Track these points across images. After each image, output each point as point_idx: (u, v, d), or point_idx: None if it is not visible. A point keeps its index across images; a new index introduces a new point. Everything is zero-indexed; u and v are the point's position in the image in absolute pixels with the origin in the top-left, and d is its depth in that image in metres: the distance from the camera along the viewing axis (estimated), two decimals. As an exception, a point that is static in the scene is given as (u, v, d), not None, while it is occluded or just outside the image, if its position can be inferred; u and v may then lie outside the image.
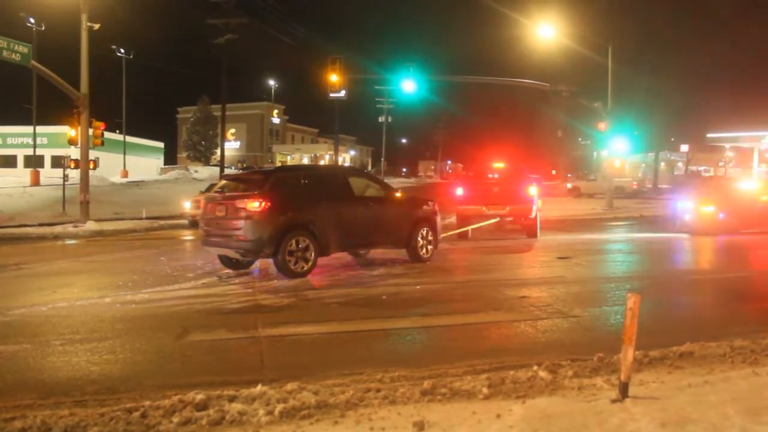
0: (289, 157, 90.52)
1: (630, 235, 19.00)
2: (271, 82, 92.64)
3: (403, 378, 4.76)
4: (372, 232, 11.38)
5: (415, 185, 60.88)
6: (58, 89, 22.19)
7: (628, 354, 3.80)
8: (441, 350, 5.96)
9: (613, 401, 3.79)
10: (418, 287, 9.33)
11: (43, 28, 42.72)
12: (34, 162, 48.83)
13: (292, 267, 10.02)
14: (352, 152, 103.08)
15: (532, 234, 16.59)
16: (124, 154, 59.28)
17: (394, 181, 53.79)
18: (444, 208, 14.49)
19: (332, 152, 69.27)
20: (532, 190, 16.36)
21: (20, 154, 59.49)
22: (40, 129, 49.91)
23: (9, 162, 59.90)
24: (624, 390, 3.84)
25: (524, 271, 11.29)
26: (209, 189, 20.74)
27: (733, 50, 58.14)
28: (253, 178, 11.10)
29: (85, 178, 23.34)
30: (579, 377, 4.53)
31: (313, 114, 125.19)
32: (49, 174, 45.82)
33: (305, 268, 10.15)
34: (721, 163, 72.66)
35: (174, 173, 55.42)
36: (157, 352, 5.91)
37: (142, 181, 46.76)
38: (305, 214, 10.36)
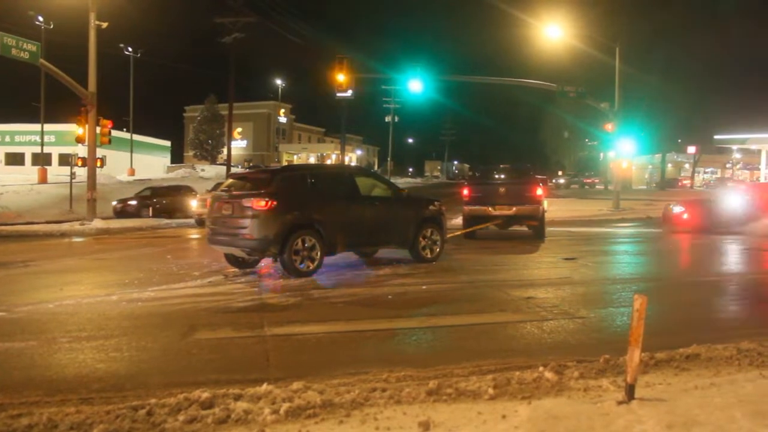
0: (295, 157, 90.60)
1: (634, 234, 19.00)
2: (278, 81, 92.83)
3: (409, 378, 4.76)
4: (378, 232, 11.39)
5: (421, 185, 60.85)
6: (66, 87, 22.30)
7: (635, 356, 3.78)
8: (447, 350, 5.95)
9: (620, 403, 3.77)
10: (423, 287, 9.32)
11: (52, 26, 43.00)
12: (41, 160, 49.08)
13: (298, 266, 10.04)
14: (359, 152, 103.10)
15: (539, 235, 16.58)
16: (131, 152, 59.52)
17: (400, 181, 53.77)
18: (450, 209, 14.46)
19: (339, 152, 69.26)
20: (539, 191, 16.33)
21: (28, 151, 59.88)
22: (47, 127, 50.18)
23: (17, 160, 60.29)
24: (630, 392, 3.82)
25: (530, 272, 11.26)
26: (216, 188, 20.79)
27: (742, 51, 57.89)
28: (259, 177, 11.10)
29: (92, 176, 23.44)
30: (585, 378, 4.52)
31: (319, 113, 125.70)
32: (56, 172, 46.12)
33: (311, 268, 10.16)
34: (728, 165, 72.41)
35: (181, 172, 55.59)
36: (163, 350, 5.92)
37: (148, 180, 46.90)
38: (311, 213, 10.37)
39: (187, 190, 28.99)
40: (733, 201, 19.26)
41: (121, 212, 25.98)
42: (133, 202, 26.93)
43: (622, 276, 11.05)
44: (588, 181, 66.81)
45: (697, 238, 17.20)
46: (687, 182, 66.51)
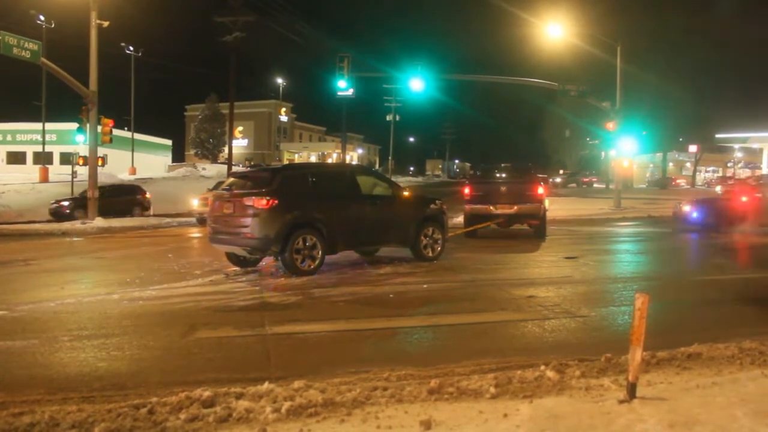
0: (296, 155, 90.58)
1: (635, 233, 18.99)
2: (279, 80, 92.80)
3: (410, 377, 4.75)
4: (379, 231, 11.38)
5: (422, 184, 60.80)
6: (68, 86, 22.31)
7: (636, 354, 3.78)
8: (448, 349, 5.94)
9: (621, 402, 3.77)
10: (425, 286, 9.31)
11: (53, 25, 42.99)
12: (43, 159, 49.14)
13: (299, 265, 10.04)
14: (360, 150, 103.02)
15: (540, 234, 16.57)
16: (132, 151, 59.58)
17: (401, 180, 53.77)
18: (451, 207, 14.45)
19: (340, 150, 69.23)
20: (540, 190, 16.33)
21: (29, 150, 59.96)
22: (49, 126, 50.25)
23: (18, 158, 60.37)
24: (632, 390, 3.82)
25: (531, 271, 11.26)
26: (217, 187, 20.78)
27: (744, 50, 57.83)
28: (260, 175, 11.11)
29: (93, 175, 23.44)
30: (586, 377, 4.51)
31: (320, 112, 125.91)
32: (57, 170, 46.19)
33: (312, 266, 10.16)
34: (729, 164, 72.37)
35: (182, 171, 55.59)
36: (165, 349, 5.93)
37: (150, 179, 46.92)
38: (313, 212, 10.37)
39: (136, 190, 28.48)
40: (745, 199, 19.19)
41: (56, 213, 24.72)
42: (67, 203, 25.35)
43: (623, 275, 11.05)
44: (585, 180, 66.70)
45: (704, 237, 17.17)
46: (681, 181, 66.40)
